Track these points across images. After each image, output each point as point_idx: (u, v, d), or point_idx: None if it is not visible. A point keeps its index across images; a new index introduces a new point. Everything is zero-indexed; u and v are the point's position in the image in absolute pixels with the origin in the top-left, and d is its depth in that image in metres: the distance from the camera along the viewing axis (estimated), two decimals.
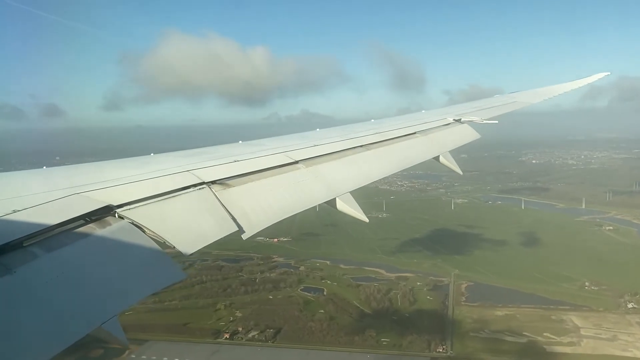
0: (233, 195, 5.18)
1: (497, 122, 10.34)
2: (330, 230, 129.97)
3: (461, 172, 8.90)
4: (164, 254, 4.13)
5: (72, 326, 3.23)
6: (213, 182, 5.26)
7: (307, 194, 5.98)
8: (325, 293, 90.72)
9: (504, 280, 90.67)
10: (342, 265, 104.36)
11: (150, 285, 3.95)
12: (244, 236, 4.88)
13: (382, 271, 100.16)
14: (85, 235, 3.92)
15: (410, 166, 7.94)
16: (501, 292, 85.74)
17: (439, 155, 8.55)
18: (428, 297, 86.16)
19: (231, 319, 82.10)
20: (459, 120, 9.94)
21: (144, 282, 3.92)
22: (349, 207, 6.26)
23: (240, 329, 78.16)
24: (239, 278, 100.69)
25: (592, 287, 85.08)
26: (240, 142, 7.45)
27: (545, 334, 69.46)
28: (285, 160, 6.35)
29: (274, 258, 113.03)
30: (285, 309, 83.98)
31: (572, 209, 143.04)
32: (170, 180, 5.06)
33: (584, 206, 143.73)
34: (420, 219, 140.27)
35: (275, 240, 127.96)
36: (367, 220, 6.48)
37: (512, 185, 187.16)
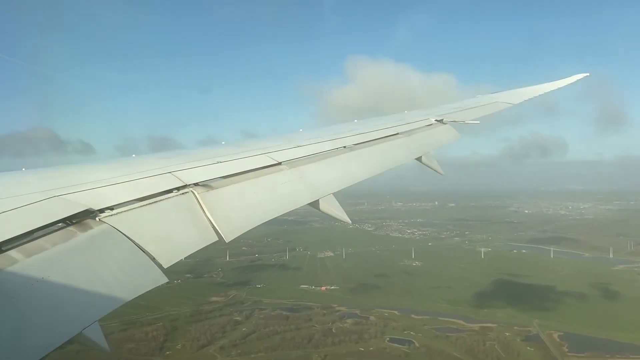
0: (215, 198, 5.11)
1: (478, 122, 10.27)
2: (378, 280, 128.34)
3: (443, 173, 8.75)
4: (146, 258, 4.06)
5: (52, 332, 3.17)
6: (195, 184, 5.15)
7: (290, 195, 5.93)
8: (417, 345, 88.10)
9: (590, 330, 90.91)
10: (413, 316, 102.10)
11: (132, 289, 3.82)
12: (227, 239, 4.76)
13: (461, 321, 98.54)
14: (66, 239, 3.82)
15: (393, 167, 7.83)
16: (597, 342, 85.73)
17: (421, 156, 8.58)
18: (528, 347, 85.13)
19: None
20: (441, 121, 9.87)
21: (125, 286, 3.80)
22: (333, 209, 6.22)
23: None
24: (312, 328, 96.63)
25: None
26: (222, 142, 7.46)
27: None
28: (268, 162, 6.24)
29: (335, 307, 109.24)
30: None
31: (601, 257, 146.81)
32: (151, 183, 4.97)
33: (611, 255, 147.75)
34: (458, 267, 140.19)
35: (323, 288, 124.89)
36: (350, 222, 6.48)
37: (522, 234, 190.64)
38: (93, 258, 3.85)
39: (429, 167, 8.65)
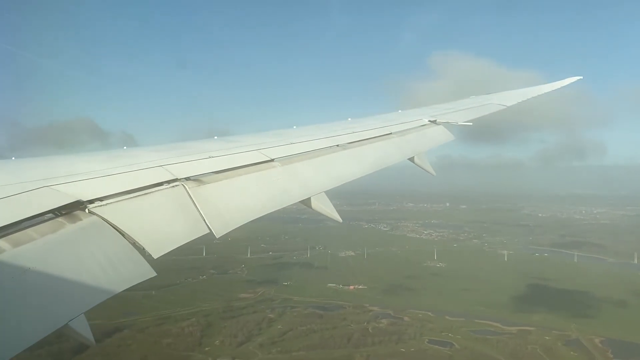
0: (207, 193, 5.11)
1: (471, 124, 10.36)
2: (406, 281, 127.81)
3: (434, 174, 8.82)
4: (134, 251, 4.04)
5: (39, 323, 3.17)
6: (187, 179, 5.12)
7: (282, 192, 5.94)
8: (457, 347, 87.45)
9: (633, 336, 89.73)
10: (447, 317, 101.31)
11: (120, 282, 3.79)
12: (217, 234, 4.73)
13: (498, 324, 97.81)
14: (54, 230, 3.81)
15: (385, 167, 7.83)
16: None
17: (413, 157, 8.62)
18: (572, 352, 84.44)
19: None
20: (434, 122, 9.91)
21: (113, 279, 3.77)
22: (324, 207, 6.28)
23: None
24: (348, 327, 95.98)
25: None
26: (215, 137, 7.36)
27: None
28: (260, 158, 6.24)
29: (367, 307, 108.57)
30: None
31: (626, 263, 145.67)
32: (142, 176, 4.94)
33: (636, 261, 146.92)
34: (483, 269, 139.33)
35: (352, 287, 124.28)
36: (340, 220, 6.45)
37: (540, 238, 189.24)
38: (81, 250, 3.81)
39: (421, 167, 8.68)
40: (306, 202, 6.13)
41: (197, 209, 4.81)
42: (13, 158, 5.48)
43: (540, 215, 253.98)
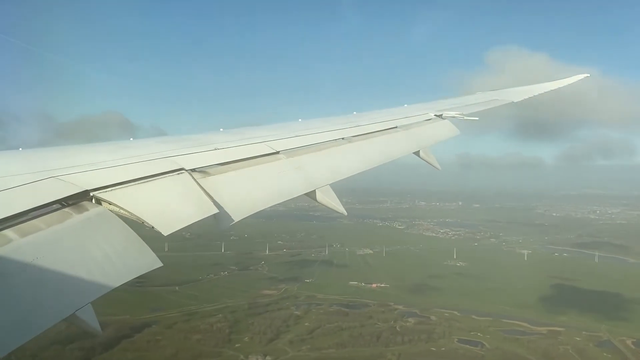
0: (213, 184, 5.11)
1: (477, 118, 10.38)
2: (429, 279, 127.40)
3: (440, 168, 8.76)
4: (141, 241, 4.03)
5: (45, 312, 3.21)
6: (193, 170, 5.13)
7: (287, 185, 5.95)
8: (488, 346, 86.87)
9: None
10: (474, 317, 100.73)
11: (126, 272, 3.80)
12: (223, 225, 4.77)
13: (526, 324, 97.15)
14: (61, 220, 3.81)
15: (390, 160, 7.82)
16: None
17: (419, 150, 8.58)
18: (604, 353, 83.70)
19: None
20: (440, 116, 9.88)
21: (120, 269, 3.77)
22: (329, 200, 6.26)
23: None
24: (375, 325, 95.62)
25: None
26: (221, 129, 7.35)
27: None
28: (266, 150, 6.24)
29: (392, 305, 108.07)
30: None
31: None
32: (149, 166, 4.94)
33: None
34: (505, 269, 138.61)
35: (374, 285, 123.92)
36: (345, 212, 6.46)
37: (558, 237, 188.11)
38: (88, 240, 3.82)
39: (426, 161, 8.69)
40: (311, 194, 6.12)
41: (205, 191, 4.81)
42: (20, 149, 5.46)
43: (554, 214, 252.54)
